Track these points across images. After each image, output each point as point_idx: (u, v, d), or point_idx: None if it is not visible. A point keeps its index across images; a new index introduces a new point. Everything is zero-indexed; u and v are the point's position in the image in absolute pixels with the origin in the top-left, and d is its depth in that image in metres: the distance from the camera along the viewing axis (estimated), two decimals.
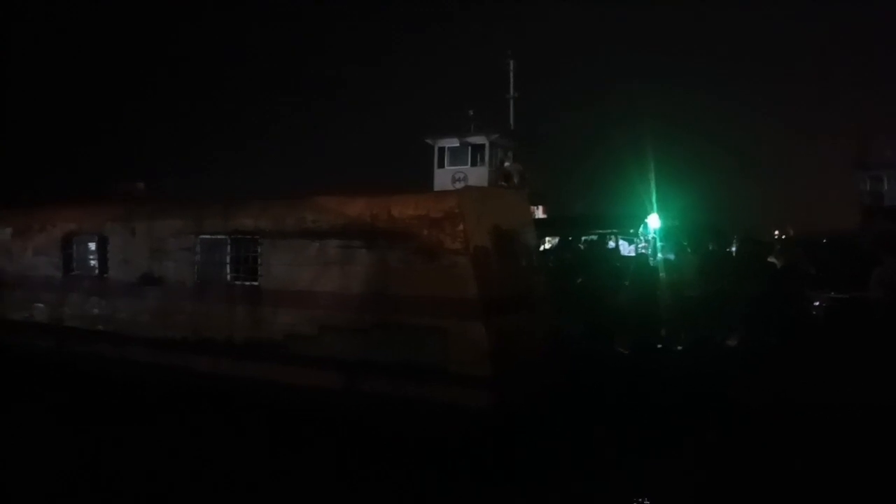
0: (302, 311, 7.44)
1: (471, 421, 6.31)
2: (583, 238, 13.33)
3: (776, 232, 26.71)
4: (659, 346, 8.84)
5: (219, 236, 8.24)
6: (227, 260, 8.12)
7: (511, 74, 26.34)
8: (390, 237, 7.01)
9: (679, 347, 8.65)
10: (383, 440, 6.35)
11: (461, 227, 6.67)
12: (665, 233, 13.63)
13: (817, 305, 9.67)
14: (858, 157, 29.38)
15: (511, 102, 26.41)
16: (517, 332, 6.97)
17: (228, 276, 8.11)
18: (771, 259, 9.27)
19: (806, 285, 9.30)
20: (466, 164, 24.68)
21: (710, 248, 10.09)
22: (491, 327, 6.57)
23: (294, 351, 7.47)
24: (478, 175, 24.08)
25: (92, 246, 9.55)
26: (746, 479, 5.51)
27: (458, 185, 22.50)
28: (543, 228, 14.38)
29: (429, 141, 25.52)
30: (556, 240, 14.20)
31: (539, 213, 21.96)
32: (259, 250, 7.84)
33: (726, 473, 5.63)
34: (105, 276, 9.34)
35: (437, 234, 6.77)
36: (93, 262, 9.53)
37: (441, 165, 25.21)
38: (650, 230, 15.34)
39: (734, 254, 9.97)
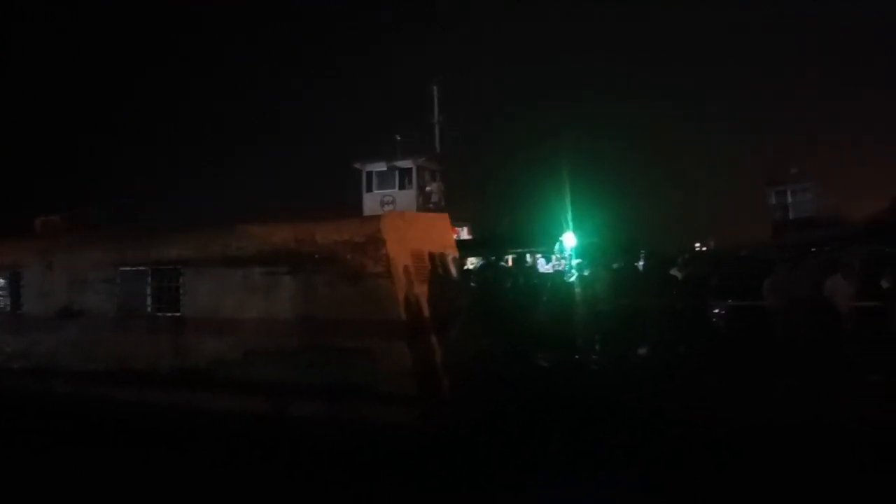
0: (227, 337, 7.46)
1: (399, 439, 6.48)
2: (503, 257, 13.78)
3: (697, 244, 28.64)
4: (577, 358, 9.32)
5: (140, 267, 8.16)
6: (148, 291, 8.04)
7: (435, 100, 27.09)
8: (316, 262, 7.15)
9: (595, 359, 9.16)
10: (314, 461, 6.43)
11: (384, 250, 6.89)
12: (580, 250, 14.32)
13: (717, 313, 10.40)
14: (768, 174, 32.39)
15: (436, 127, 27.12)
16: (442, 352, 7.23)
17: (150, 308, 8.04)
18: (673, 272, 9.94)
19: (707, 295, 10.03)
20: (394, 187, 25.15)
21: (622, 263, 10.71)
22: (415, 347, 6.79)
23: (221, 377, 7.45)
24: (406, 198, 24.55)
25: (3, 282, 9.25)
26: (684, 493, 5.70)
27: (387, 208, 22.88)
28: (467, 249, 14.81)
29: (357, 166, 25.85)
30: (479, 260, 14.64)
31: (464, 233, 22.54)
32: (181, 280, 7.83)
33: (663, 489, 5.75)
34: (18, 311, 9.05)
35: (360, 258, 6.96)
36: (5, 299, 9.22)
37: (370, 189, 25.58)
38: (566, 248, 16.08)
39: (641, 269, 10.58)
